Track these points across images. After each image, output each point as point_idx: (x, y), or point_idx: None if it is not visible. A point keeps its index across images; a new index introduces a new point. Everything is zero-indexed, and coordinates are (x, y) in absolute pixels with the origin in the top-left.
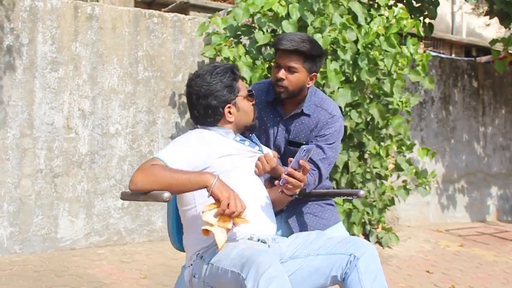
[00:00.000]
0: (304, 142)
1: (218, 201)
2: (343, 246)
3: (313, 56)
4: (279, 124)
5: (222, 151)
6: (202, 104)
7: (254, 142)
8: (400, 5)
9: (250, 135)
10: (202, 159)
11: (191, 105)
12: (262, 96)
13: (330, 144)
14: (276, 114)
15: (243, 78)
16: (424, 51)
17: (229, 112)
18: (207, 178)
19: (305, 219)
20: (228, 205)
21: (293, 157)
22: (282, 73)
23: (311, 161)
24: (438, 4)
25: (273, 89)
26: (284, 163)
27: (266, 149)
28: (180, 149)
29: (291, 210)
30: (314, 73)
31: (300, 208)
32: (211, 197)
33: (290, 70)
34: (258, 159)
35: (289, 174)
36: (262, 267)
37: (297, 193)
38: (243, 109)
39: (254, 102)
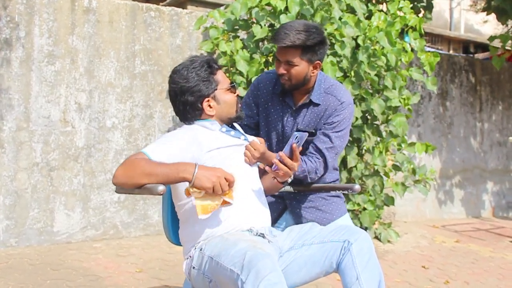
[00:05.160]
0: (313, 130)
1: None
2: (337, 234)
3: (310, 46)
4: (287, 116)
5: (211, 145)
6: (181, 100)
7: (238, 132)
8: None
9: (231, 124)
10: (190, 154)
11: (172, 102)
12: (270, 87)
13: (337, 132)
14: (285, 106)
15: (228, 70)
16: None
17: (209, 106)
18: (185, 176)
19: (309, 213)
20: (213, 190)
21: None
22: (282, 68)
23: (316, 149)
24: (432, 6)
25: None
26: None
27: (251, 137)
28: (166, 144)
29: (295, 204)
30: (317, 62)
31: (303, 202)
32: None
33: (289, 64)
34: (246, 148)
35: (280, 160)
36: (262, 272)
37: (289, 181)
38: (224, 101)
39: (236, 93)
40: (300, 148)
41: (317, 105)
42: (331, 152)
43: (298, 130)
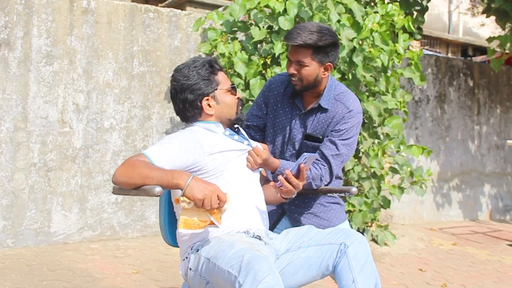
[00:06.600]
0: (320, 137)
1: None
2: (333, 236)
3: (322, 47)
4: (296, 119)
5: (213, 148)
6: (181, 98)
7: (242, 136)
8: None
9: (236, 128)
10: (192, 157)
11: (173, 100)
12: (281, 89)
13: (344, 140)
14: (295, 108)
15: (226, 72)
16: (421, 50)
17: (208, 105)
18: (178, 182)
19: (306, 219)
20: (203, 203)
21: (308, 153)
22: (292, 68)
23: (322, 155)
24: (427, 9)
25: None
26: (298, 158)
27: (254, 143)
28: (167, 146)
29: (294, 209)
30: (328, 63)
31: (302, 207)
32: None
33: (300, 64)
34: (248, 153)
35: (286, 178)
36: (260, 274)
37: (292, 197)
38: (223, 102)
39: (237, 95)
40: (308, 168)
41: (325, 110)
42: (337, 160)
43: (305, 136)
